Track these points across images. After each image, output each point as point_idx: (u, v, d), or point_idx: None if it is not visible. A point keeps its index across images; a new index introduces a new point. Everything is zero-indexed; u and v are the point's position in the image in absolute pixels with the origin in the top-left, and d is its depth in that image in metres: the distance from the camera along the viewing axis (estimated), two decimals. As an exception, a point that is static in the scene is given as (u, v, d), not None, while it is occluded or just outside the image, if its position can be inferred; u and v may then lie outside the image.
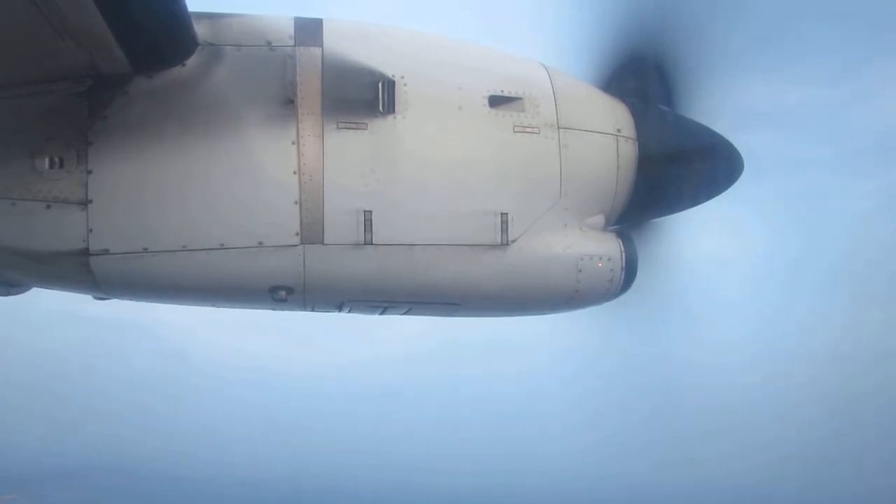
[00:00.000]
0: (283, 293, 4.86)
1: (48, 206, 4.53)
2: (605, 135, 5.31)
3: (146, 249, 4.62)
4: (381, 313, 5.35)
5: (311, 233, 4.70)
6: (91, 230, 4.55)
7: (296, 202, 4.67)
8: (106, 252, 4.59)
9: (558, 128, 5.10)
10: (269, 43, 4.80)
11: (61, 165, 4.52)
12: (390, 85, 4.81)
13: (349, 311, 5.30)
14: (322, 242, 4.72)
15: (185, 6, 4.29)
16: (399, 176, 4.81)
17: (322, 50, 4.82)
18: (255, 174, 4.67)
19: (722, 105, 5.87)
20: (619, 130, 5.36)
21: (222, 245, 4.66)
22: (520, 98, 5.06)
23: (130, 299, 5.29)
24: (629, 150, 5.38)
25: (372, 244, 4.76)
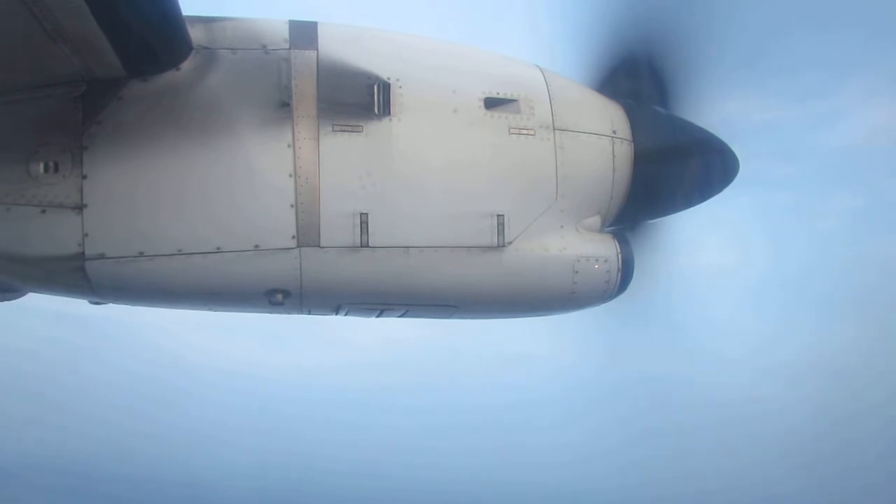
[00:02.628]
0: (279, 296, 4.86)
1: (43, 211, 4.52)
2: (600, 136, 5.31)
3: (142, 254, 4.61)
4: (378, 316, 5.35)
5: (308, 236, 4.70)
6: (86, 235, 4.54)
7: (292, 205, 4.66)
8: (101, 256, 4.58)
9: (554, 129, 5.10)
10: (263, 46, 4.80)
11: (56, 170, 4.51)
12: (385, 87, 4.82)
13: (346, 314, 5.30)
14: (318, 245, 4.72)
15: (179, 10, 4.29)
16: (395, 178, 4.81)
17: (317, 53, 4.82)
18: (251, 177, 4.67)
19: (716, 107, 5.89)
20: (614, 132, 5.37)
21: (218, 249, 4.66)
22: (515, 100, 5.06)
23: (126, 304, 5.27)
24: (625, 151, 5.38)
25: (368, 247, 4.76)
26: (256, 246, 4.68)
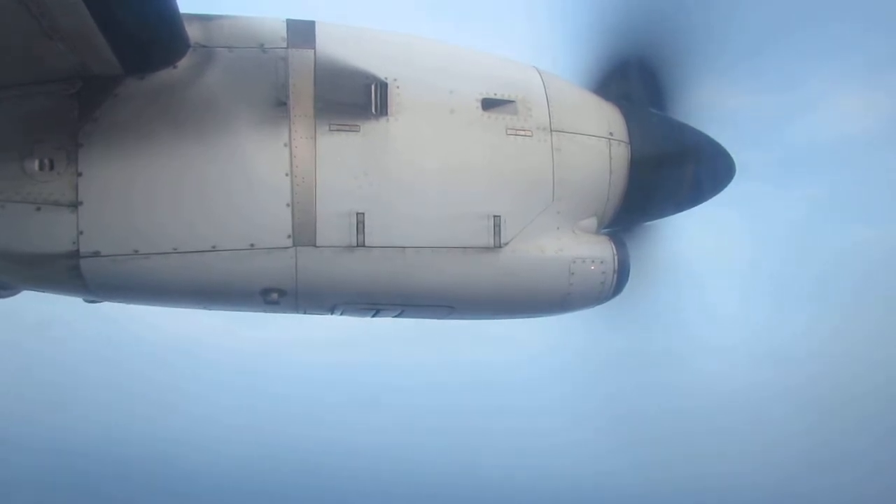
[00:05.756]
0: (274, 295, 4.85)
1: (38, 209, 4.51)
2: (597, 138, 5.32)
3: (137, 251, 4.60)
4: (374, 315, 5.34)
5: (304, 235, 4.69)
6: (81, 232, 4.53)
7: (288, 204, 4.66)
8: (96, 254, 4.57)
9: (551, 131, 5.11)
10: (261, 45, 4.79)
11: (51, 167, 4.49)
12: (383, 87, 4.81)
13: (341, 314, 5.29)
14: (314, 244, 4.72)
15: (176, 8, 4.28)
16: (391, 178, 4.80)
17: (315, 52, 4.82)
18: (248, 176, 4.66)
19: (710, 108, 5.91)
20: (611, 133, 5.38)
21: (214, 247, 4.65)
22: (512, 101, 5.07)
23: (121, 301, 5.26)
24: (621, 153, 5.39)
25: (364, 246, 4.75)
26: (252, 245, 4.67)
